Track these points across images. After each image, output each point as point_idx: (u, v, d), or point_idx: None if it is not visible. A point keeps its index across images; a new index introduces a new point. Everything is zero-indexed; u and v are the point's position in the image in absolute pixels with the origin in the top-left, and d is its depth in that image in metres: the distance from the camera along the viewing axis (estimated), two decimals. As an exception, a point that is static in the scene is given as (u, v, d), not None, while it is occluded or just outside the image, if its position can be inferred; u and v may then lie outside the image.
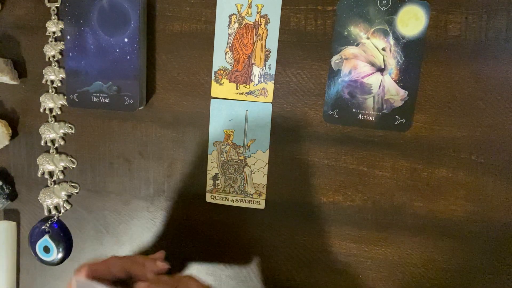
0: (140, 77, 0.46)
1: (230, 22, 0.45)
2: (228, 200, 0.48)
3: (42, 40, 0.49)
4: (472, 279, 0.45)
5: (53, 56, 0.49)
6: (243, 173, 0.48)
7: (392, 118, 0.44)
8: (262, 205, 0.48)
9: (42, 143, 0.51)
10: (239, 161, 0.47)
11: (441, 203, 0.44)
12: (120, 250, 0.52)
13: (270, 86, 0.46)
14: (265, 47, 0.45)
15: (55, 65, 0.49)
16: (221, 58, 0.46)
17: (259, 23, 0.45)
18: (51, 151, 0.51)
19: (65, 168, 0.52)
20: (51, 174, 0.52)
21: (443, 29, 0.42)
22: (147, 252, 0.51)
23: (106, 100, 0.47)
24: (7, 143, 0.51)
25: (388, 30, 0.42)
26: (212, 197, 0.49)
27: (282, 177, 0.47)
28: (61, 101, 0.50)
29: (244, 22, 0.45)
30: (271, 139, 0.47)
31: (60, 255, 0.51)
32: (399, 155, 0.44)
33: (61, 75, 0.49)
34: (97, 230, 0.52)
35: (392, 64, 0.43)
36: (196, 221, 0.49)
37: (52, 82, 0.50)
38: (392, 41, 0.42)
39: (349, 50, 0.43)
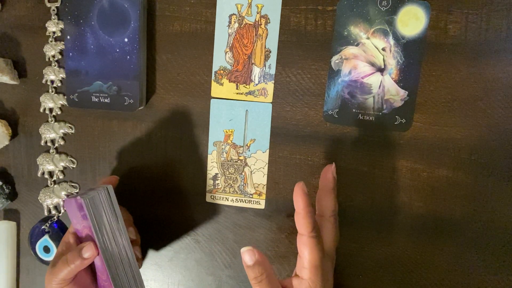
0: (140, 77, 0.46)
1: (230, 22, 0.45)
2: (228, 200, 0.48)
3: (42, 40, 0.49)
4: (472, 279, 0.45)
5: (53, 56, 0.49)
6: (243, 173, 0.48)
7: (392, 118, 0.44)
8: (262, 205, 0.48)
9: (42, 143, 0.51)
10: (239, 161, 0.47)
11: (441, 203, 0.44)
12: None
13: (270, 86, 0.46)
14: (265, 47, 0.45)
15: (55, 65, 0.49)
16: (221, 58, 0.46)
17: (259, 23, 0.45)
18: (51, 151, 0.51)
19: (65, 168, 0.52)
20: (51, 174, 0.52)
21: (443, 29, 0.42)
22: (148, 251, 0.51)
23: (106, 100, 0.47)
24: (7, 143, 0.51)
25: (388, 30, 0.42)
26: (212, 197, 0.49)
27: (282, 177, 0.47)
28: (61, 101, 0.50)
29: (244, 22, 0.45)
30: (271, 139, 0.47)
31: (60, 255, 0.51)
32: (399, 155, 0.44)
33: (61, 75, 0.49)
34: (97, 230, 0.52)
35: (392, 64, 0.43)
36: (196, 221, 0.49)
37: (52, 82, 0.50)
38: (392, 41, 0.42)
39: (349, 50, 0.43)
